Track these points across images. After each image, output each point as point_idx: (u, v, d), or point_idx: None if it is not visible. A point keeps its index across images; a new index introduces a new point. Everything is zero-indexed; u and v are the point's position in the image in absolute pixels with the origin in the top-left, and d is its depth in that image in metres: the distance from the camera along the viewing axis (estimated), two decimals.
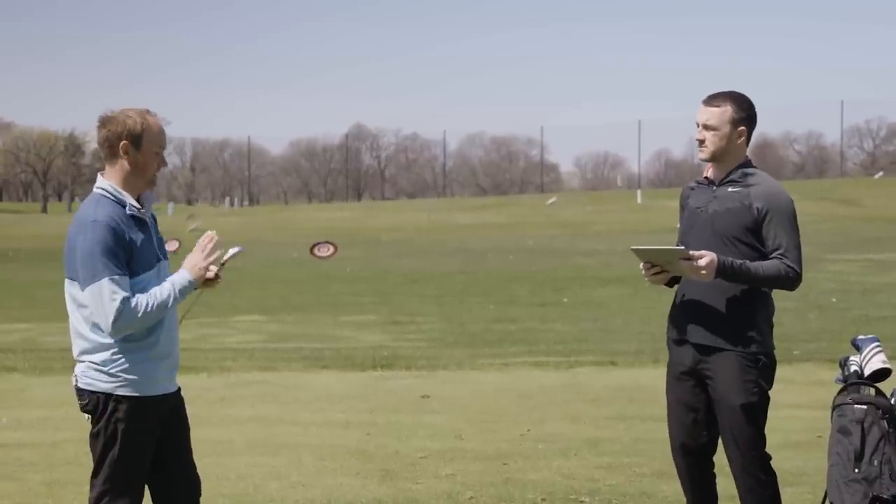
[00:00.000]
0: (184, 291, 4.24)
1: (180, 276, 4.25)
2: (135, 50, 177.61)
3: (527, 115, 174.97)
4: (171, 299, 4.19)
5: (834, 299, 18.53)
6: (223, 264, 4.45)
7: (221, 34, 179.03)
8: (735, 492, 4.91)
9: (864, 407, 4.87)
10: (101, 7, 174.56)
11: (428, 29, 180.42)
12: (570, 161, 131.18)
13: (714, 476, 5.01)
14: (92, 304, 4.11)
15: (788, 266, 4.70)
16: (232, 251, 4.54)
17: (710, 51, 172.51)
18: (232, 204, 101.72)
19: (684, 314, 4.89)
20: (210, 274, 4.33)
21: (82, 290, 4.13)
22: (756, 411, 4.77)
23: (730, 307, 4.75)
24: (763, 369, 4.77)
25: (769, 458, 4.86)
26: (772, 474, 4.85)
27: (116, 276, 4.08)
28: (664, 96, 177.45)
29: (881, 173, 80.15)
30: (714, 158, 4.86)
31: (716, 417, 4.85)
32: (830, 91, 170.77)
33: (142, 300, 4.12)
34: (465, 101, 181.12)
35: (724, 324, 4.76)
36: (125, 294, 4.09)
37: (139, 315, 4.11)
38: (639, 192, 67.93)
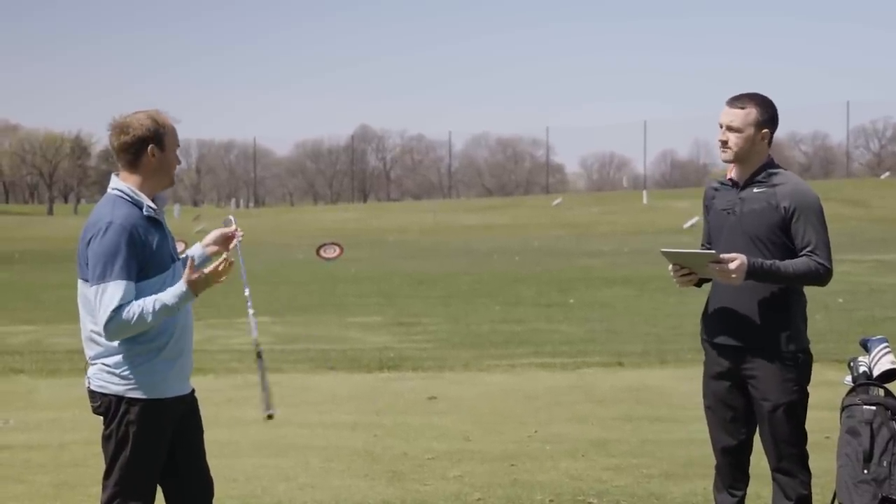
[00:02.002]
0: (178, 298, 4.16)
1: (178, 286, 4.18)
2: (140, 51, 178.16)
3: (532, 115, 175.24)
4: (172, 303, 4.14)
5: (840, 300, 18.49)
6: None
7: (226, 34, 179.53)
8: (761, 491, 4.90)
9: (873, 408, 4.86)
10: (105, 7, 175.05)
11: (432, 29, 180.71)
12: (576, 162, 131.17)
13: (748, 476, 5.03)
14: (94, 303, 4.13)
15: (819, 263, 4.74)
16: (225, 224, 4.69)
17: (716, 52, 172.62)
18: (238, 205, 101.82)
19: (720, 316, 4.90)
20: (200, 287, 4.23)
21: (88, 287, 4.15)
22: (797, 409, 4.81)
23: (765, 307, 4.77)
24: (802, 367, 4.81)
25: (807, 456, 4.88)
26: (808, 474, 4.88)
27: (123, 282, 4.09)
28: (669, 97, 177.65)
29: (887, 174, 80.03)
30: (738, 160, 4.86)
31: (753, 416, 4.88)
32: (836, 92, 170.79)
33: (136, 307, 4.09)
34: (471, 102, 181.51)
35: (762, 324, 4.77)
36: (127, 300, 4.09)
37: (134, 321, 4.09)
38: (644, 192, 67.90)
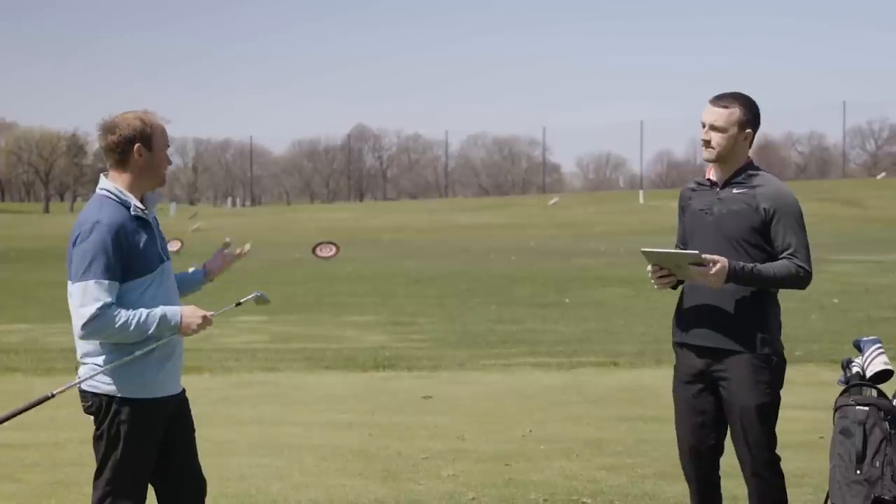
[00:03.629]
0: (164, 327, 4.17)
1: (172, 313, 4.19)
2: (137, 50, 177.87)
3: (529, 115, 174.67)
4: (153, 328, 4.14)
5: (836, 300, 18.52)
6: (240, 304, 4.53)
7: (223, 34, 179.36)
8: (738, 493, 4.89)
9: (866, 408, 4.87)
10: (103, 7, 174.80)
11: (430, 29, 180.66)
12: (572, 161, 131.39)
13: (719, 478, 5.01)
14: (74, 299, 4.12)
15: (799, 266, 4.70)
16: (251, 297, 4.59)
17: (712, 52, 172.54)
18: (234, 204, 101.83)
19: (692, 317, 4.86)
20: (193, 331, 4.26)
21: (72, 284, 4.14)
22: (768, 412, 4.78)
23: (739, 309, 4.74)
24: (775, 370, 4.78)
25: (779, 459, 4.87)
26: (781, 476, 4.86)
27: (105, 281, 4.08)
28: (666, 97, 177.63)
29: (883, 174, 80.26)
30: (719, 159, 4.84)
31: (724, 420, 4.84)
32: (832, 92, 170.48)
33: (123, 315, 4.09)
34: (467, 101, 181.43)
35: (735, 326, 4.74)
36: (108, 300, 4.08)
37: (115, 326, 4.09)
38: (641, 192, 67.92)
